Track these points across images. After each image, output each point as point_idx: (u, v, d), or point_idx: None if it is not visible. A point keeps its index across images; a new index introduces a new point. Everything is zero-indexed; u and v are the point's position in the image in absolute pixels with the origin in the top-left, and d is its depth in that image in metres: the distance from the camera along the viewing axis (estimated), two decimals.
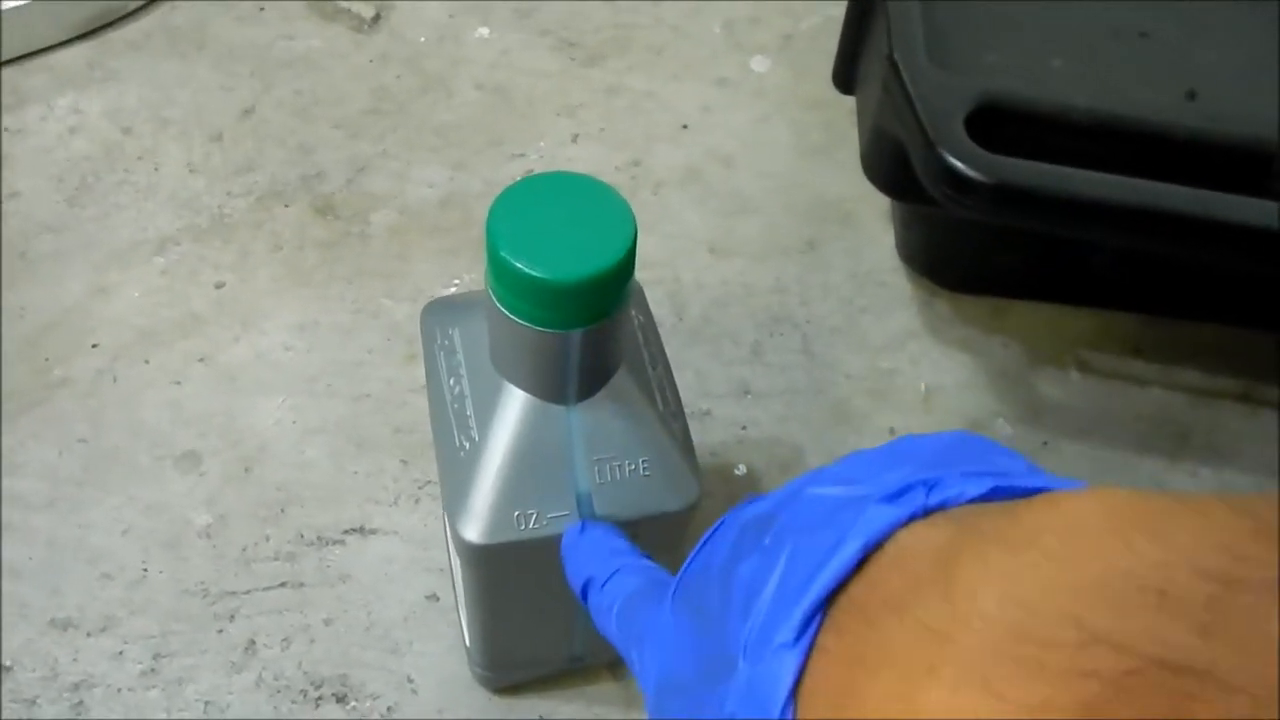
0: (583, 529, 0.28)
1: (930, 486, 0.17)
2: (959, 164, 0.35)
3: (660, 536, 0.32)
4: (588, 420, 0.28)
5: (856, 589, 0.16)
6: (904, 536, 0.16)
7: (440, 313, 0.32)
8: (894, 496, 0.17)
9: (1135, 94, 0.40)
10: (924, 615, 0.15)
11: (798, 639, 0.16)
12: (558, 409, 0.28)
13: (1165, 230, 0.35)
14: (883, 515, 0.16)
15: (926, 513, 0.17)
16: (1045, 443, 0.46)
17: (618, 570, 0.26)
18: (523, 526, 0.28)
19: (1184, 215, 0.35)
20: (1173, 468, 0.46)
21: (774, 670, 0.16)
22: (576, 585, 0.27)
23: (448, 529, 0.33)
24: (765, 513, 0.19)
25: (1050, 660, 0.13)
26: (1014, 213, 0.36)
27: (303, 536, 0.41)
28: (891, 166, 0.41)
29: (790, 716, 0.16)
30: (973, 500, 0.17)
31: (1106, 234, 0.37)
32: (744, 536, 0.19)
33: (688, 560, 0.22)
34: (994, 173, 0.35)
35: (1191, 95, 0.40)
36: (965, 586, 0.14)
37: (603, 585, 0.26)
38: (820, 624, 0.16)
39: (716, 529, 0.21)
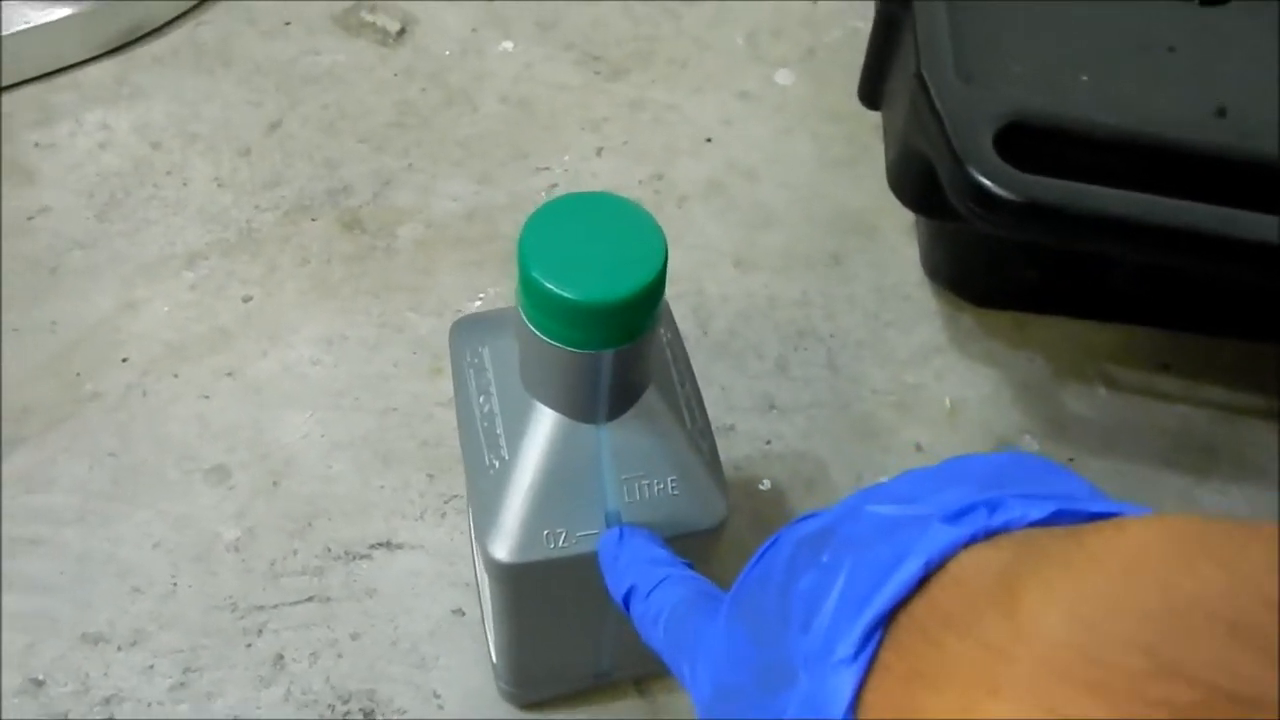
0: (621, 536, 0.28)
1: (993, 508, 0.17)
2: (988, 182, 0.35)
3: (689, 554, 0.32)
4: (617, 439, 0.28)
5: (917, 607, 0.16)
6: (965, 557, 0.16)
7: (469, 330, 0.32)
8: (956, 516, 0.17)
9: (1164, 110, 0.40)
10: (986, 634, 0.15)
11: (857, 654, 0.16)
12: (588, 428, 0.28)
13: (1194, 249, 0.35)
14: (945, 535, 0.16)
15: (989, 534, 0.17)
16: (1071, 459, 0.46)
17: (663, 580, 0.26)
18: (552, 545, 0.28)
19: (1213, 234, 0.35)
20: (1201, 485, 0.45)
21: (834, 684, 0.16)
22: (618, 594, 0.27)
23: (475, 546, 0.33)
24: (821, 529, 0.19)
25: (1117, 685, 0.13)
26: (1042, 230, 0.36)
27: (330, 550, 0.41)
28: (919, 183, 0.41)
29: None
30: (1035, 523, 0.17)
31: (1134, 251, 0.37)
32: (800, 552, 0.19)
33: (743, 574, 0.22)
34: (1023, 191, 0.35)
35: (1221, 112, 0.40)
36: (1029, 607, 0.14)
37: (647, 595, 0.26)
38: (880, 640, 0.16)
39: (771, 544, 0.21)
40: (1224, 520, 0.15)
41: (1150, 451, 0.46)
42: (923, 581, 0.16)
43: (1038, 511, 0.17)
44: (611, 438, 0.28)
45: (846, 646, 0.16)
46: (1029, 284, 0.49)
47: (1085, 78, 0.42)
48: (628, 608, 0.27)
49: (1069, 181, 0.35)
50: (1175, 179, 0.37)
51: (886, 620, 0.16)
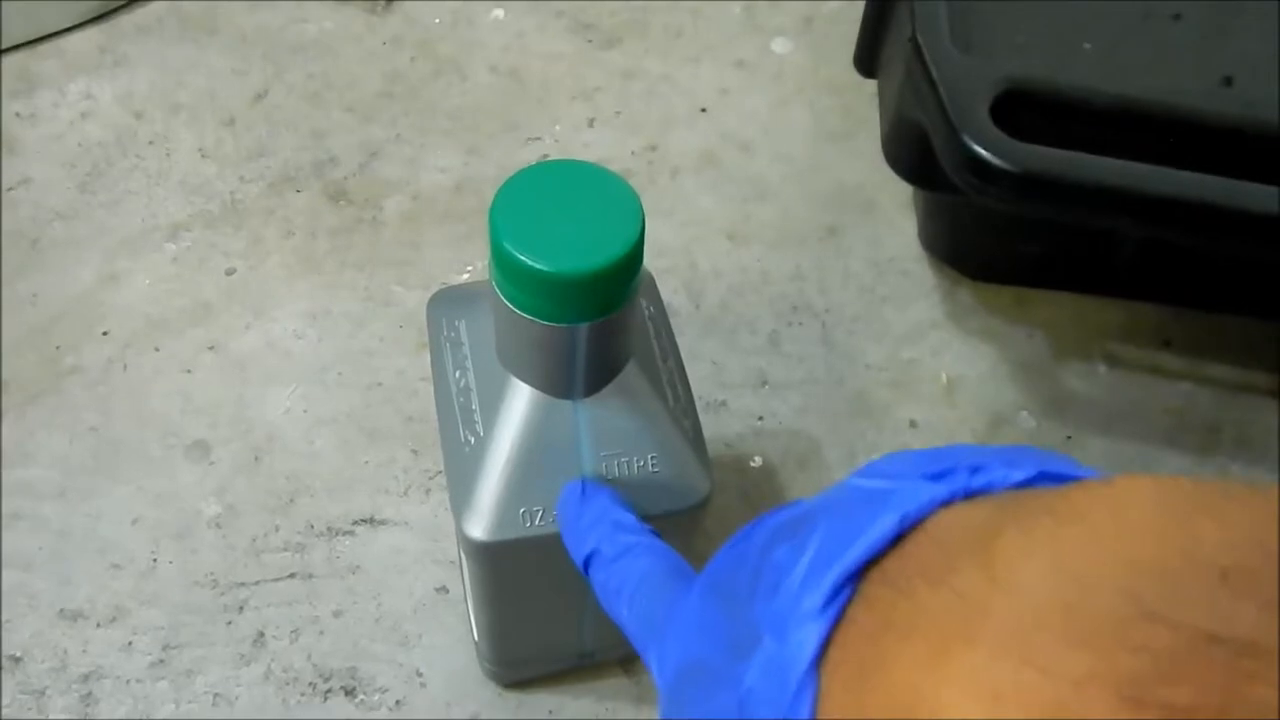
0: (583, 493, 0.27)
1: (974, 470, 0.16)
2: (983, 151, 0.34)
3: (671, 535, 0.31)
4: (595, 416, 0.27)
5: (890, 562, 0.16)
6: (943, 515, 0.16)
7: (447, 303, 0.31)
8: (936, 476, 0.16)
9: (1168, 79, 0.39)
10: (961, 584, 0.14)
11: (825, 608, 0.15)
12: (564, 404, 0.27)
13: (1197, 222, 0.34)
14: (923, 491, 0.16)
15: (969, 495, 0.16)
16: (1069, 436, 0.45)
17: (630, 549, 0.25)
18: (528, 524, 0.28)
19: (1217, 206, 0.34)
20: (1202, 464, 0.45)
21: (798, 639, 0.16)
22: (579, 555, 0.26)
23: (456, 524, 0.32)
24: (804, 512, 0.19)
25: (1097, 633, 0.12)
26: (1040, 202, 0.35)
27: (312, 527, 0.40)
28: (913, 153, 0.40)
29: (811, 687, 0.15)
30: (1018, 485, 0.16)
31: (1136, 225, 0.36)
32: (779, 532, 0.19)
33: (718, 553, 0.21)
34: (1019, 161, 0.34)
35: (1228, 81, 0.39)
36: (1006, 557, 0.14)
37: (611, 562, 0.25)
38: (850, 597, 0.16)
39: (751, 528, 0.20)
40: (1213, 481, 0.14)
41: (1151, 430, 0.45)
42: (898, 540, 0.16)
43: (1021, 473, 0.16)
44: (589, 414, 0.27)
45: (813, 600, 0.16)
46: (1029, 258, 0.48)
47: (1088, 46, 0.40)
48: (587, 571, 0.26)
49: (1069, 151, 0.34)
50: (1179, 150, 0.35)
51: (858, 577, 0.16)
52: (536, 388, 0.27)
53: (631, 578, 0.24)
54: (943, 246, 0.49)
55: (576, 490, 0.27)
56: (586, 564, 0.26)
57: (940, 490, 0.16)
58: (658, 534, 0.26)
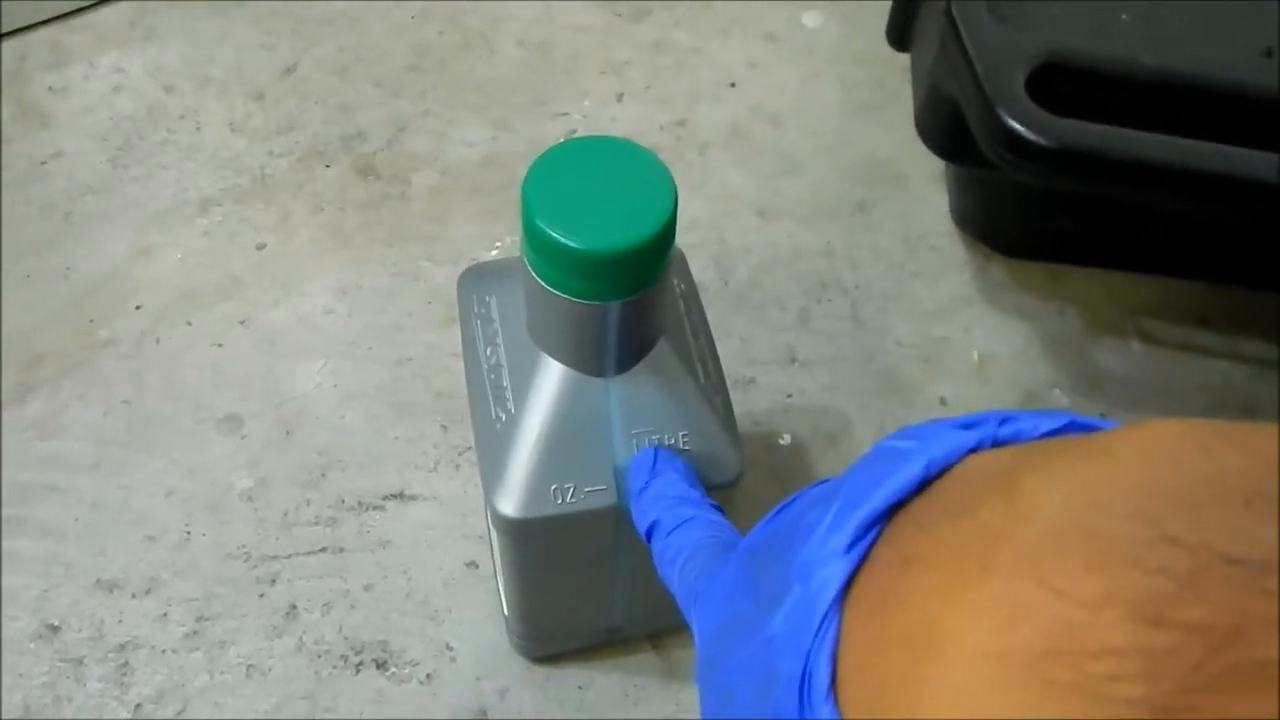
0: (654, 465, 0.27)
1: (1005, 420, 0.16)
2: (1019, 126, 0.33)
3: None
4: (626, 393, 0.27)
5: (916, 504, 0.16)
6: (971, 460, 0.16)
7: (477, 279, 0.31)
8: (965, 425, 0.16)
9: (1208, 51, 0.38)
10: (982, 517, 0.14)
11: (849, 548, 0.16)
12: (596, 381, 0.27)
13: (1237, 197, 0.34)
14: (951, 438, 0.16)
15: (997, 443, 0.16)
16: (1103, 414, 0.44)
17: (688, 520, 0.25)
18: (559, 501, 0.28)
19: (1258, 181, 0.33)
20: None
21: (823, 578, 0.16)
22: (642, 524, 0.26)
23: (486, 500, 0.33)
24: (838, 481, 0.19)
25: (1116, 556, 0.12)
26: (1075, 177, 0.35)
27: (343, 501, 0.41)
28: (947, 128, 0.39)
29: (834, 623, 0.15)
30: (1048, 434, 0.16)
31: (1174, 200, 0.35)
32: (815, 501, 0.19)
33: (757, 525, 0.21)
34: (1056, 136, 0.33)
35: (1269, 53, 0.38)
36: (1029, 489, 0.14)
37: (669, 533, 0.25)
38: (875, 538, 0.16)
39: (789, 502, 0.20)
40: (1249, 422, 0.14)
41: (1185, 407, 0.45)
42: (925, 485, 0.16)
43: (1050, 423, 0.16)
44: (620, 391, 0.27)
45: (838, 541, 0.16)
46: (1062, 234, 0.47)
47: (1125, 17, 0.40)
48: (649, 539, 0.26)
49: (1106, 126, 0.34)
50: (1219, 123, 0.35)
51: (884, 519, 0.16)
52: (568, 365, 0.27)
53: (685, 548, 0.24)
54: (975, 222, 0.48)
55: (648, 459, 0.27)
56: (649, 534, 0.26)
57: (969, 437, 0.16)
58: (719, 507, 0.26)
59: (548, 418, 0.27)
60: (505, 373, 0.29)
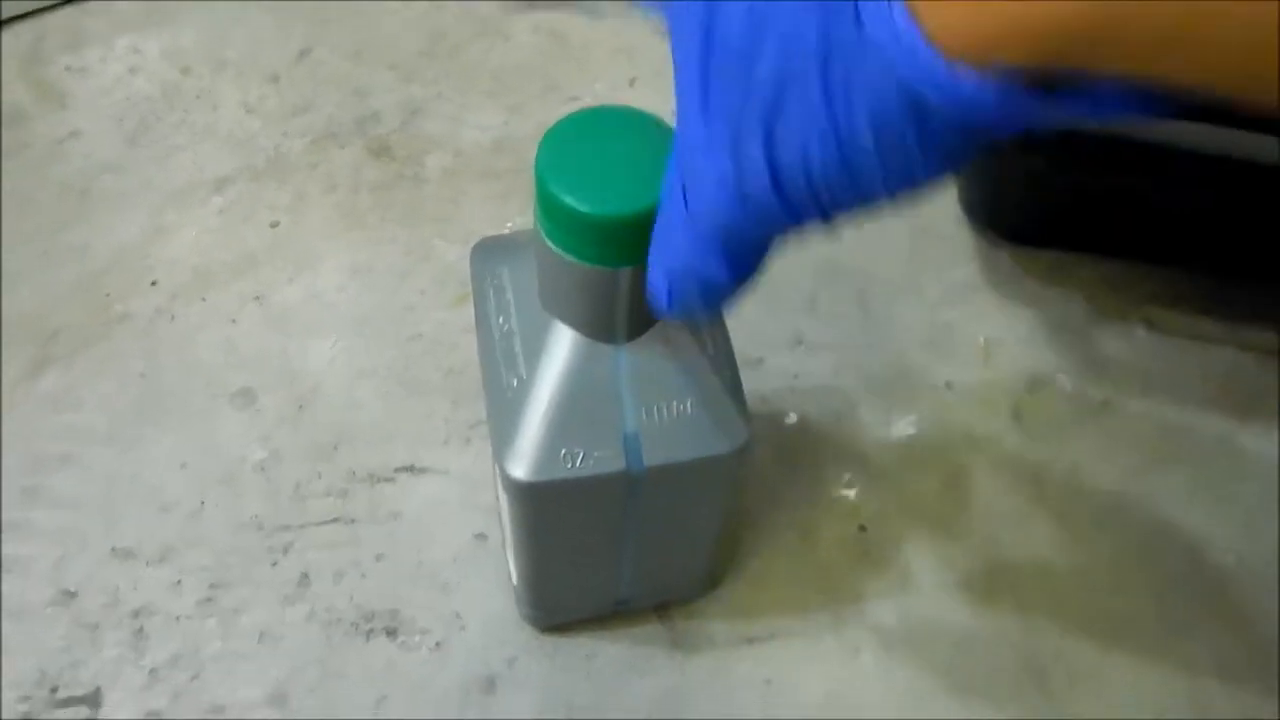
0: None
1: None
2: None
3: (710, 482, 0.31)
4: (636, 360, 0.28)
5: None
6: None
7: (490, 251, 0.32)
8: None
9: None
10: None
11: None
12: (606, 348, 0.28)
13: (1250, 183, 0.34)
14: None
15: None
16: (1106, 401, 0.45)
17: None
18: (569, 465, 0.28)
19: (1269, 167, 0.33)
20: (1242, 430, 0.44)
21: None
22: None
23: (495, 468, 0.33)
24: None
25: None
26: (1084, 162, 0.35)
27: (355, 474, 0.41)
28: None
29: None
30: None
31: (1185, 186, 0.35)
32: None
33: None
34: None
35: None
36: None
37: None
38: None
39: None
40: None
41: (1191, 396, 0.45)
42: None
43: None
44: (631, 358, 0.28)
45: None
46: (1069, 222, 0.48)
47: None
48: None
49: None
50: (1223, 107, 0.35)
51: None
52: (579, 331, 0.27)
53: None
54: (982, 210, 0.49)
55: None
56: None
57: None
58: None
59: (558, 383, 0.28)
60: (517, 339, 0.29)
